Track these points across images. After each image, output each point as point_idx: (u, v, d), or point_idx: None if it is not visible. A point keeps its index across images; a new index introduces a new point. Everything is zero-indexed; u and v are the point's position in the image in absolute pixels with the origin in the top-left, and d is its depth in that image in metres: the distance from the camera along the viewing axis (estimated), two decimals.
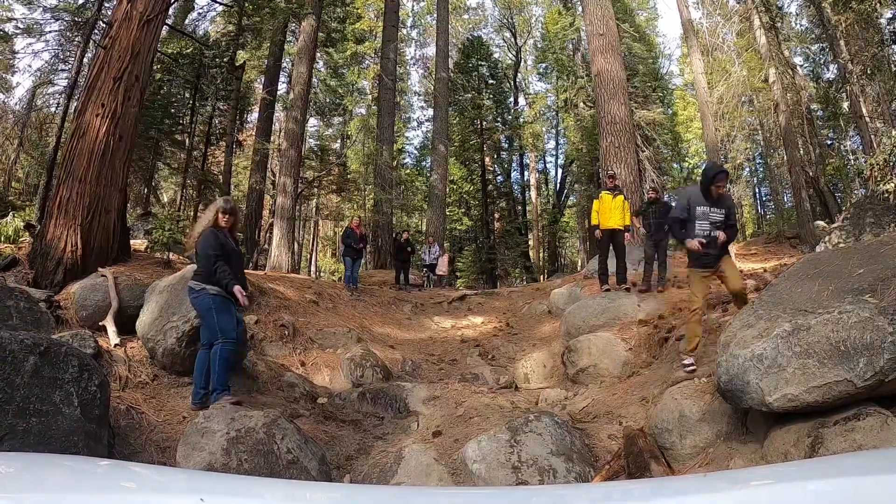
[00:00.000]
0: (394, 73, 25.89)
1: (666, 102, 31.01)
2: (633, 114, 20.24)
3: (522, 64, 39.23)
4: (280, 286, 11.43)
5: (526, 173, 39.92)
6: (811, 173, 21.67)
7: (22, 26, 19.46)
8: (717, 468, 3.99)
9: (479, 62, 34.88)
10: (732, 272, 5.98)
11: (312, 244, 37.42)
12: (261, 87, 27.36)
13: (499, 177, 37.06)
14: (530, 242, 38.46)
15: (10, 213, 12.84)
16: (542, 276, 32.78)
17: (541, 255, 39.02)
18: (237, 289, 5.16)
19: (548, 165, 41.71)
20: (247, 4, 21.75)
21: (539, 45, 37.58)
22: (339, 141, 35.33)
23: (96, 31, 17.61)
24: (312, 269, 35.32)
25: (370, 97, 31.70)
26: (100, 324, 7.15)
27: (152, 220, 16.15)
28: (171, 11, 12.34)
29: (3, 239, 10.75)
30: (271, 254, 18.81)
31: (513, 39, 38.98)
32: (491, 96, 34.73)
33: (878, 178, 11.24)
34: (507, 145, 36.78)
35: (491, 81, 35.33)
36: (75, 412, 3.93)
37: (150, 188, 24.91)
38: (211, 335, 5.24)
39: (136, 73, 9.33)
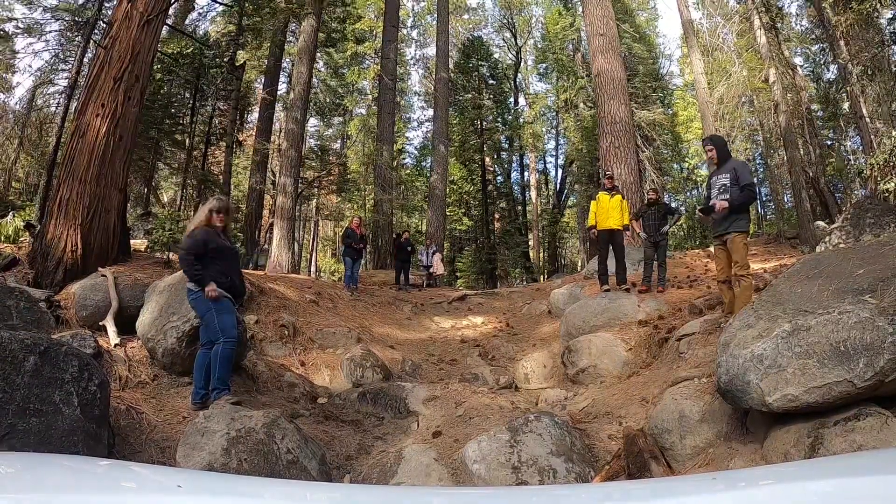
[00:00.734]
0: (394, 74, 25.90)
1: (666, 103, 31.06)
2: (633, 114, 20.25)
3: (522, 64, 39.29)
4: (280, 286, 11.43)
5: (526, 173, 39.98)
6: (811, 174, 21.66)
7: (22, 26, 19.50)
8: (718, 468, 3.98)
9: (480, 62, 34.92)
10: (734, 255, 6.31)
11: (312, 244, 37.44)
12: (261, 87, 27.40)
13: (499, 177, 37.12)
14: (530, 243, 38.47)
15: (11, 213, 12.85)
16: (542, 277, 32.80)
17: (541, 255, 39.02)
18: (210, 287, 5.17)
19: (548, 166, 41.84)
20: (247, 4, 21.79)
21: (539, 46, 37.63)
22: (339, 141, 35.38)
23: (96, 30, 17.63)
24: (312, 269, 35.34)
25: (370, 97, 31.73)
26: (100, 324, 7.16)
27: (152, 220, 16.16)
28: (171, 11, 12.35)
29: (3, 238, 10.76)
30: (271, 254, 18.80)
31: (513, 40, 39.02)
32: (491, 96, 34.77)
33: (879, 179, 11.25)
34: (507, 145, 36.82)
35: (491, 82, 35.39)
36: (75, 412, 3.93)
37: (150, 188, 24.94)
38: (211, 335, 5.24)
39: (136, 73, 9.34)
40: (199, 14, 26.97)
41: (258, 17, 21.85)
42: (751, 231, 28.93)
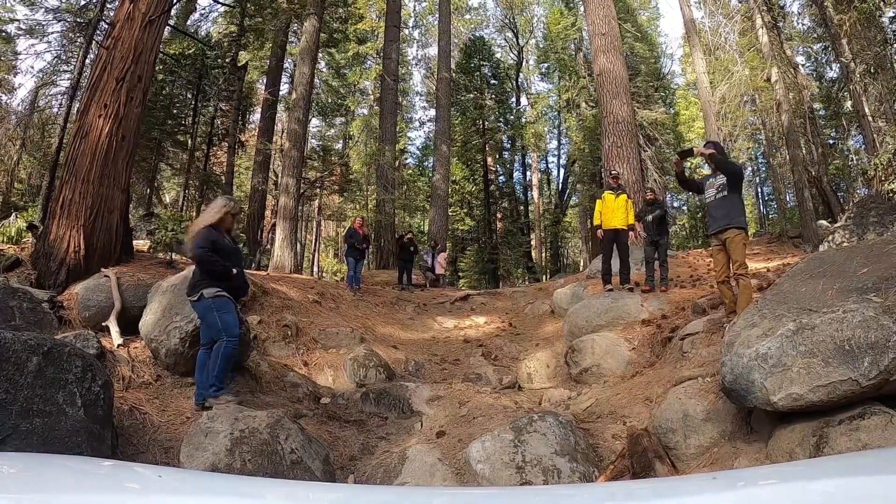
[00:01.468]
0: (396, 74, 25.90)
1: (668, 102, 31.03)
2: (635, 114, 20.24)
3: (524, 64, 39.30)
4: (283, 286, 11.43)
5: (528, 173, 40.00)
6: (814, 173, 21.64)
7: (24, 27, 19.52)
8: (722, 468, 3.97)
9: (481, 62, 34.94)
10: (733, 255, 6.35)
11: (315, 244, 37.45)
12: (263, 87, 27.41)
13: (501, 177, 37.11)
14: (532, 242, 38.48)
15: (13, 214, 12.87)
16: (544, 276, 32.77)
17: (543, 255, 39.01)
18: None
19: (550, 165, 41.84)
20: (249, 5, 21.83)
21: (541, 45, 37.60)
22: (341, 141, 35.39)
23: (98, 31, 17.63)
24: (315, 269, 35.36)
25: (372, 97, 31.74)
26: (103, 324, 7.18)
27: (155, 220, 16.18)
28: (173, 12, 12.35)
29: (5, 240, 10.77)
30: (274, 254, 18.79)
31: (515, 39, 39.02)
32: (493, 96, 34.78)
33: (882, 178, 11.23)
34: (509, 145, 36.81)
35: (493, 81, 35.40)
36: (79, 412, 3.92)
37: (152, 189, 24.96)
38: (213, 334, 5.24)
39: (138, 74, 9.36)
40: (201, 15, 27.07)
41: (260, 18, 21.90)
42: (752, 230, 28.92)
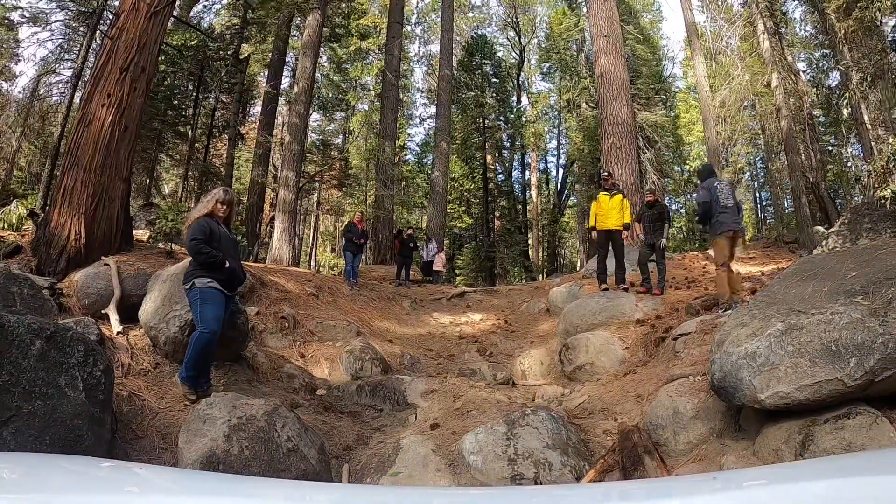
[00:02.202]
0: (397, 70, 25.91)
1: (668, 105, 31.07)
2: (635, 115, 20.30)
3: (526, 63, 39.35)
4: (281, 279, 11.49)
5: (527, 172, 40.02)
6: (811, 179, 21.72)
7: (28, 15, 19.51)
8: (710, 464, 4.05)
9: (483, 60, 34.98)
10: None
11: (313, 238, 37.46)
12: (264, 80, 27.41)
13: (500, 175, 37.19)
14: (530, 241, 38.55)
15: (13, 202, 12.90)
16: (541, 276, 32.85)
17: (540, 254, 39.09)
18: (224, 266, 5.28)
19: (549, 165, 41.93)
20: None
21: (543, 45, 37.62)
22: (341, 136, 35.42)
23: (102, 21, 17.64)
24: (312, 263, 35.38)
25: (373, 93, 31.73)
26: (102, 312, 7.22)
27: (154, 210, 16.22)
28: (177, 3, 12.37)
29: (6, 227, 10.81)
30: (272, 247, 18.85)
31: (517, 38, 39.07)
32: (494, 95, 34.84)
33: (876, 185, 11.32)
34: (508, 144, 36.87)
35: (494, 80, 35.44)
36: (80, 396, 3.98)
37: (152, 179, 24.97)
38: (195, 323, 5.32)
39: (142, 65, 9.39)
40: (205, 6, 26.99)
41: (263, 11, 21.85)
42: (749, 235, 29.03)
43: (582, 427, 5.06)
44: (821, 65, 26.87)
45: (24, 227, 10.74)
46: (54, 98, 24.46)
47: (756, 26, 22.07)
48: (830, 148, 26.94)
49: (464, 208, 34.80)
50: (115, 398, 4.85)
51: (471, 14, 39.77)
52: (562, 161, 38.71)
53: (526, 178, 39.78)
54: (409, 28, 35.57)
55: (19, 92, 25.53)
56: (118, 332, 6.62)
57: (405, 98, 36.94)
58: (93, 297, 7.55)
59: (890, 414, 3.47)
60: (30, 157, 26.50)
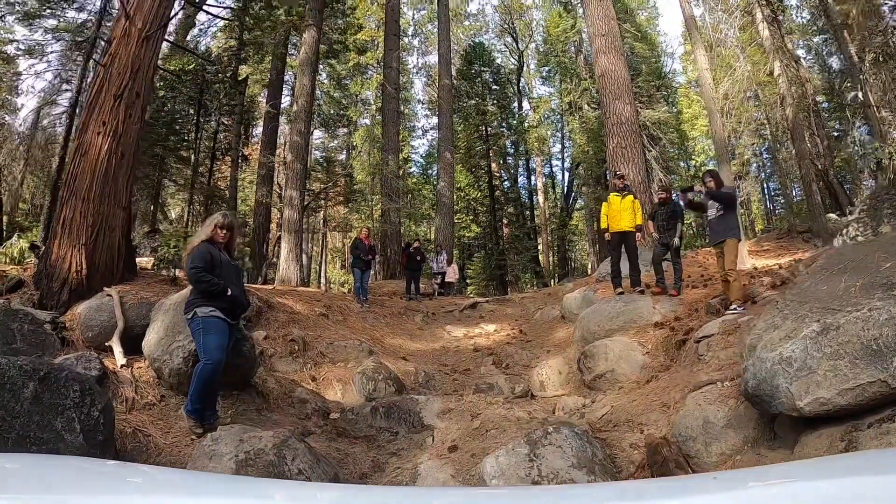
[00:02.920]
0: (397, 82, 25.87)
1: (670, 101, 30.88)
2: (638, 114, 20.10)
3: (525, 68, 39.28)
4: (289, 300, 11.32)
5: (533, 178, 39.89)
6: (820, 166, 21.44)
7: (24, 47, 19.57)
8: None
9: (482, 68, 34.94)
10: (725, 258, 7.71)
11: (321, 256, 37.41)
12: (264, 100, 27.46)
13: (506, 182, 37.04)
14: (540, 247, 38.37)
15: (16, 235, 12.83)
16: (552, 281, 32.61)
17: (551, 259, 38.87)
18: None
19: (554, 169, 41.75)
20: (247, 19, 21.82)
21: (541, 49, 37.59)
22: (344, 152, 35.45)
23: (96, 49, 17.66)
24: (322, 280, 35.29)
25: (374, 107, 31.78)
26: (106, 344, 7.06)
27: (158, 237, 16.11)
28: (171, 28, 12.30)
29: (8, 260, 10.70)
30: (280, 267, 18.72)
31: (514, 44, 39.02)
32: (495, 101, 34.77)
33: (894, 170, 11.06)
34: (512, 150, 36.75)
35: (494, 87, 35.39)
36: (78, 438, 3.80)
37: (156, 205, 24.96)
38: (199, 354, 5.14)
39: (136, 90, 9.27)
40: (200, 30, 27.09)
41: (259, 31, 21.89)
42: (759, 227, 28.72)
43: (607, 441, 4.82)
44: (821, 50, 26.65)
45: (26, 261, 10.64)
46: (56, 129, 24.57)
47: (754, 15, 21.89)
48: (836, 133, 26.61)
49: (472, 217, 34.67)
50: (119, 435, 4.68)
51: (467, 22, 39.81)
52: (567, 164, 38.57)
53: (532, 183, 39.66)
54: (406, 40, 35.65)
55: (20, 124, 25.67)
56: (122, 365, 6.45)
57: (406, 110, 36.98)
58: (96, 330, 7.39)
59: None
60: (33, 189, 26.59)
